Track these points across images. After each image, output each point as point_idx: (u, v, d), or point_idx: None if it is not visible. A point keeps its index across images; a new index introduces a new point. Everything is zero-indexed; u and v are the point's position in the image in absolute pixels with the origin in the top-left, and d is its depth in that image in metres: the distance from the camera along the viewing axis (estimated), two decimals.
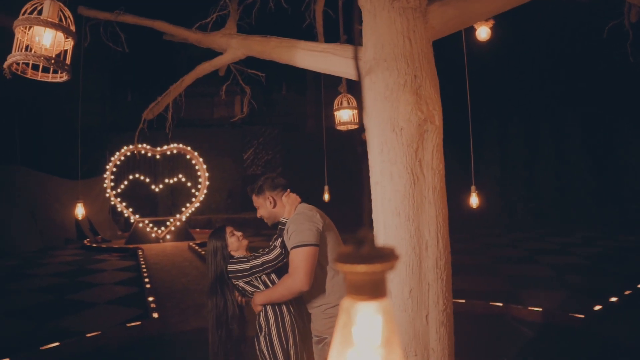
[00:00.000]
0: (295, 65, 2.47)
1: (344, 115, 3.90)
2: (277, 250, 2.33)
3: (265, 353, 2.31)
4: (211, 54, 3.23)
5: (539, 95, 15.76)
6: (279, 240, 2.36)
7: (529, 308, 5.23)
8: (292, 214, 2.39)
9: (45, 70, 1.72)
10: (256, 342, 2.37)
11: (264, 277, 2.35)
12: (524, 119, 16.15)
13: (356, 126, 4.03)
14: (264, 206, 2.48)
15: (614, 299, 5.44)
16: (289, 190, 2.48)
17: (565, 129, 15.91)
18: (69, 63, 1.73)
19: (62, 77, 1.76)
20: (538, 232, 12.61)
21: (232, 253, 2.47)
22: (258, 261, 2.33)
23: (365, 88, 1.99)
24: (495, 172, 16.32)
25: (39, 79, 1.74)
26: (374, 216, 2.10)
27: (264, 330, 2.33)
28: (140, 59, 17.70)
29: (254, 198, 2.53)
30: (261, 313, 2.36)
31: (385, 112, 1.88)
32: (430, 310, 1.89)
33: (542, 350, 4.22)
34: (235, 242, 2.46)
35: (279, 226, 2.44)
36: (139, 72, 18.41)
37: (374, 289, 0.51)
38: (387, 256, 0.52)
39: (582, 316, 4.85)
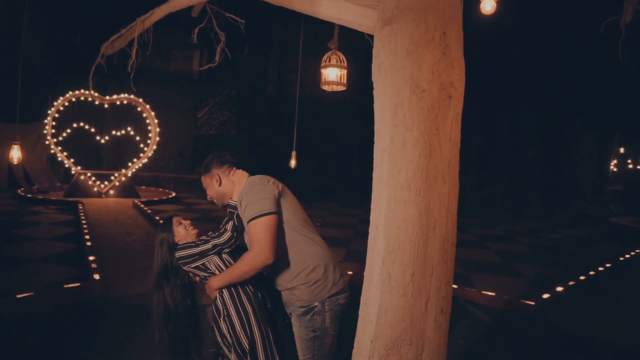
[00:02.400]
0: (294, 9, 2.15)
1: (331, 74, 3.57)
2: (228, 234, 2.18)
3: (228, 337, 2.12)
4: None
5: (499, 87, 16.08)
6: (230, 223, 2.19)
7: (483, 292, 5.30)
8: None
9: None
10: (216, 330, 2.18)
11: (217, 259, 2.18)
12: (483, 108, 16.47)
13: (343, 88, 3.72)
14: (211, 186, 2.33)
15: (559, 289, 5.63)
16: (234, 168, 2.32)
17: (521, 123, 16.41)
18: None
19: None
20: (485, 219, 13.03)
21: (181, 244, 2.29)
22: (208, 245, 2.17)
23: (382, 40, 1.72)
24: None
25: None
26: (374, 187, 1.86)
27: (222, 312, 2.15)
28: None
29: (202, 179, 2.37)
30: (217, 297, 2.17)
31: (405, 70, 1.63)
32: (430, 297, 1.70)
33: (496, 334, 4.27)
34: (183, 231, 2.31)
35: (228, 209, 2.26)
36: (91, 11, 16.90)
37: None
38: None
39: (533, 303, 4.97)
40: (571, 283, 5.99)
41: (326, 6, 2.05)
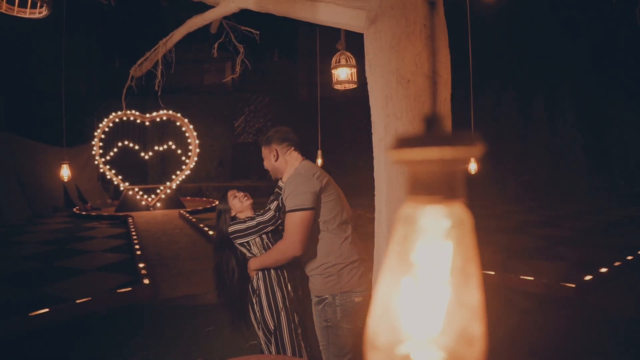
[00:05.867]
0: (293, 17, 2.32)
1: (342, 74, 3.74)
2: (271, 213, 2.34)
3: (258, 315, 2.33)
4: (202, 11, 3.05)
5: (534, 69, 15.58)
6: (275, 203, 2.36)
7: (521, 277, 5.25)
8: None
9: (23, 6, 1.53)
10: (250, 307, 2.39)
11: (259, 240, 2.35)
12: (518, 91, 16.00)
13: (354, 85, 3.88)
14: (268, 158, 2.42)
15: (604, 270, 5.47)
16: (293, 148, 2.39)
17: (559, 104, 15.81)
18: None
19: (41, 13, 1.58)
20: (528, 205, 12.69)
21: (239, 215, 2.46)
22: (253, 222, 2.34)
23: (369, 38, 1.86)
24: (488, 143, 16.21)
25: (14, 14, 1.54)
26: (375, 175, 2.00)
27: (255, 292, 2.35)
28: (128, 24, 17.13)
29: (262, 149, 2.47)
30: (254, 277, 2.38)
31: (391, 64, 1.76)
32: None
33: (535, 318, 4.25)
34: (238, 203, 2.46)
35: (276, 189, 2.42)
36: (126, 37, 17.84)
37: (446, 187, 0.38)
38: (465, 139, 0.37)
39: (574, 285, 4.88)
40: (617, 264, 5.80)
41: (322, 12, 2.21)
